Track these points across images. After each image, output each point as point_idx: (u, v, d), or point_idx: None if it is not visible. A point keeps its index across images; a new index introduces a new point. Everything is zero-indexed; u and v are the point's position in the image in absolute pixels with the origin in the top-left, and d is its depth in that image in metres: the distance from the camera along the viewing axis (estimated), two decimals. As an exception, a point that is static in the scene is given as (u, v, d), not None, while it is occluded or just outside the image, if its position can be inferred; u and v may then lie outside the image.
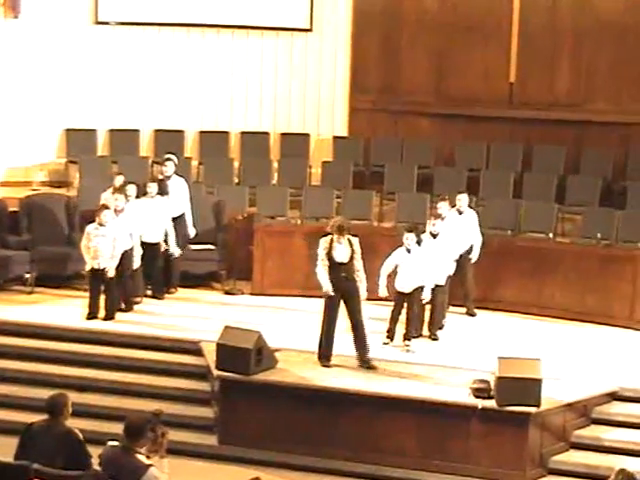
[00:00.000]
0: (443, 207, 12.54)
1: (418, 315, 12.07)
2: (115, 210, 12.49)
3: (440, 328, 12.39)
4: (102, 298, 12.40)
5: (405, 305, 11.74)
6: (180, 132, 16.04)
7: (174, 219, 13.33)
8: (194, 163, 15.69)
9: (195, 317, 12.67)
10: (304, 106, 16.31)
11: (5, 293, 13.31)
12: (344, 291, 11.10)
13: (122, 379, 11.60)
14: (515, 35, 15.90)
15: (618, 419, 10.77)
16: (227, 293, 13.65)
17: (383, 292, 11.54)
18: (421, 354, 11.64)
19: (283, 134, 16.21)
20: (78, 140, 15.74)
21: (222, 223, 14.01)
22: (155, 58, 16.02)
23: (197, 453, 10.69)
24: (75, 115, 15.73)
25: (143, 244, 12.85)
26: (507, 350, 11.22)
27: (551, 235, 13.85)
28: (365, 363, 11.13)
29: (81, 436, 7.86)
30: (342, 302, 11.14)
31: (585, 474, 10.26)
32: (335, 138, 16.19)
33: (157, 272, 13.23)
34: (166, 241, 13.13)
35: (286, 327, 12.37)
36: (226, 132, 16.17)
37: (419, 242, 11.65)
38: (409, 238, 11.58)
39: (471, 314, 13.06)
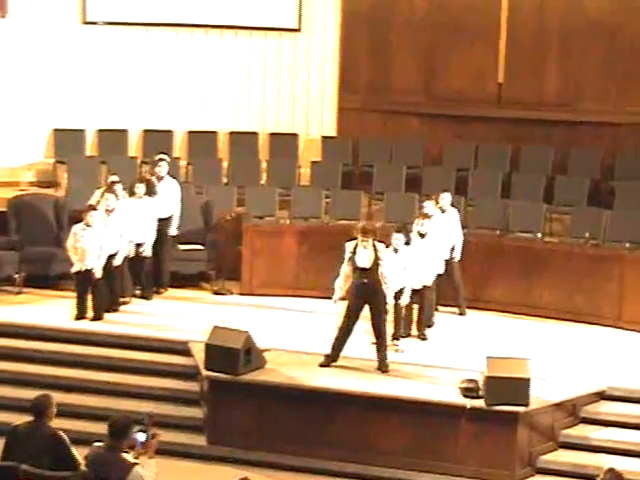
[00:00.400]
0: (429, 206, 12.54)
1: (406, 315, 12.09)
2: (106, 210, 12.47)
3: (429, 326, 12.41)
4: (90, 298, 12.38)
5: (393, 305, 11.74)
6: (169, 132, 16.02)
7: (162, 220, 13.31)
8: (183, 163, 15.69)
9: (184, 317, 12.66)
10: (293, 106, 16.31)
11: (-7, 293, 13.32)
12: (365, 297, 11.03)
13: (111, 379, 11.59)
14: (504, 35, 15.92)
15: (606, 418, 10.79)
16: (216, 293, 13.65)
17: None
18: (410, 354, 11.65)
19: (272, 134, 16.21)
20: (66, 140, 15.71)
21: (211, 223, 14.01)
22: (143, 58, 15.99)
23: (186, 453, 10.69)
24: (63, 115, 15.70)
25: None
26: (496, 350, 11.23)
27: (539, 235, 13.88)
28: (383, 367, 11.09)
29: (66, 437, 7.86)
30: (367, 307, 11.07)
31: (573, 473, 10.28)
32: (324, 138, 16.19)
33: (145, 272, 13.21)
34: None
35: (275, 327, 12.37)
36: (215, 132, 16.16)
37: (408, 242, 11.66)
38: (397, 238, 11.58)
39: (462, 313, 13.08)
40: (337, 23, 16.27)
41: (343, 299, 11.19)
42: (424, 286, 12.09)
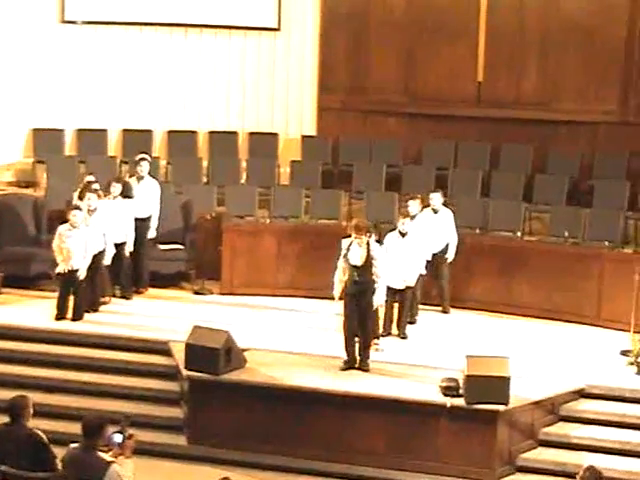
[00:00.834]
0: (413, 206, 12.57)
1: (386, 314, 12.11)
2: (88, 210, 12.44)
3: (412, 323, 12.43)
4: (71, 299, 12.35)
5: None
6: (148, 132, 15.98)
7: (142, 220, 13.28)
8: (162, 163, 15.65)
9: (164, 317, 12.64)
10: (272, 105, 16.30)
11: (-28, 294, 13.25)
12: (356, 295, 11.04)
13: (91, 379, 11.56)
14: (483, 35, 15.96)
15: (586, 416, 10.83)
16: (196, 293, 13.63)
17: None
18: (390, 353, 11.66)
19: (251, 133, 16.19)
20: (45, 140, 15.66)
21: (191, 223, 13.98)
22: (122, 58, 15.95)
23: (166, 453, 10.68)
24: (42, 115, 15.64)
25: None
26: (475, 348, 11.27)
27: (519, 234, 13.92)
28: (364, 366, 11.09)
29: (45, 437, 7.84)
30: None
31: (553, 471, 10.33)
32: (304, 137, 16.18)
33: (124, 272, 13.17)
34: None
35: (255, 327, 12.36)
36: (194, 132, 16.13)
37: (379, 241, 11.64)
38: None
39: (445, 311, 13.11)
40: (316, 23, 16.27)
41: (341, 298, 11.20)
42: (406, 287, 12.11)
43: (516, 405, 10.38)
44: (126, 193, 13.07)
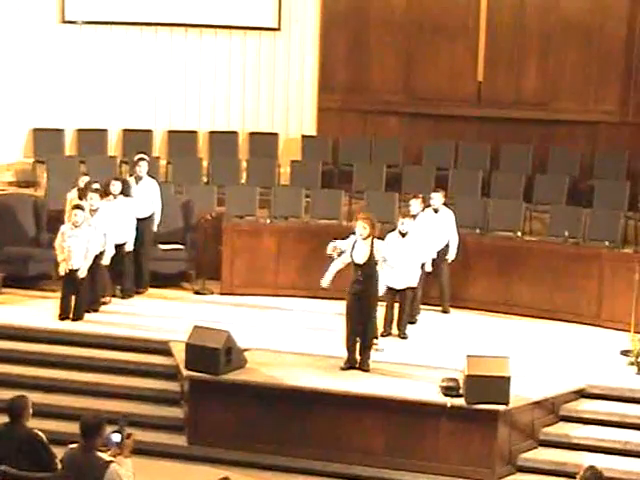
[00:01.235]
0: (415, 205, 12.58)
1: (386, 314, 12.11)
2: (90, 210, 12.45)
3: (412, 322, 12.44)
4: (73, 299, 12.35)
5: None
6: (148, 132, 15.99)
7: (142, 220, 13.28)
8: (162, 163, 15.66)
9: (164, 317, 12.64)
10: (272, 105, 16.31)
11: (-28, 294, 13.26)
12: (357, 293, 11.02)
13: (91, 379, 11.55)
14: (483, 34, 15.98)
15: (586, 416, 10.83)
16: (196, 293, 13.64)
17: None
18: (390, 352, 11.66)
19: (252, 133, 16.20)
20: (45, 140, 15.66)
21: (191, 223, 13.99)
22: (122, 57, 15.95)
23: (166, 453, 10.68)
24: (42, 114, 15.65)
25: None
26: (476, 348, 11.27)
27: (519, 234, 13.93)
28: (365, 366, 11.08)
29: (44, 437, 7.84)
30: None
31: (553, 471, 10.32)
32: (304, 137, 16.19)
33: (125, 272, 13.18)
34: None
35: (255, 327, 12.36)
36: (194, 132, 16.14)
37: (380, 238, 11.62)
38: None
39: (445, 311, 13.12)
40: (316, 23, 16.28)
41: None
42: (407, 287, 12.11)
43: (516, 405, 10.38)
44: (126, 191, 13.08)
